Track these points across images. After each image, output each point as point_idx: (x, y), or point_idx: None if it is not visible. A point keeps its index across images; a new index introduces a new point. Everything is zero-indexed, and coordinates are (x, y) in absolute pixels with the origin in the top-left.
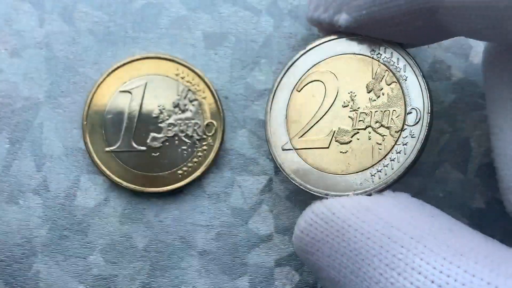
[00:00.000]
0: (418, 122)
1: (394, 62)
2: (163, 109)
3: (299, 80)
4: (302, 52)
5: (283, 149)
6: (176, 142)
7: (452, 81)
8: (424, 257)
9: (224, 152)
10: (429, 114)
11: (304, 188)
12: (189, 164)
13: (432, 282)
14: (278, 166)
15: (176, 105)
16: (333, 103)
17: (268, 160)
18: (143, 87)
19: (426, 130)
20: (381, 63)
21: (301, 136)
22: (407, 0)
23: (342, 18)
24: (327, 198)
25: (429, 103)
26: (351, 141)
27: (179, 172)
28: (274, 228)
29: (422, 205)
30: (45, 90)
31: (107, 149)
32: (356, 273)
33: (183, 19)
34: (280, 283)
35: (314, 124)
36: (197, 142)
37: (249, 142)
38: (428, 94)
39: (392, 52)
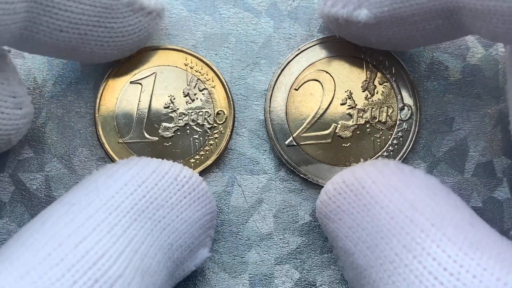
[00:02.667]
0: (410, 117)
1: (385, 64)
2: (173, 99)
3: (296, 79)
4: (296, 52)
5: (287, 145)
6: (188, 131)
7: (449, 81)
8: (441, 245)
9: (225, 151)
10: (418, 109)
11: (311, 180)
12: (201, 153)
13: (445, 269)
14: (284, 161)
15: (186, 95)
16: (331, 101)
17: (269, 160)
18: (153, 78)
19: (418, 123)
20: (372, 64)
21: (304, 132)
22: None
23: (363, 13)
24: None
25: (417, 99)
26: (351, 135)
27: (192, 160)
28: (274, 227)
29: (448, 194)
30: (51, 83)
31: (120, 140)
32: (372, 249)
33: (184, 20)
34: (279, 281)
35: (316, 121)
36: (208, 130)
37: (249, 141)
38: (416, 92)
39: (380, 57)
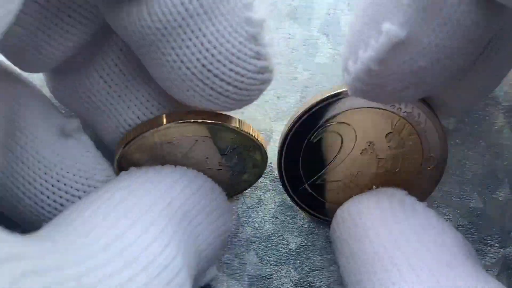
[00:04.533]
0: (434, 166)
1: (415, 116)
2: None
3: (315, 131)
4: (318, 102)
5: (300, 191)
6: None
7: None
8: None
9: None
10: (445, 160)
11: (323, 221)
12: None
13: None
14: (297, 205)
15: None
16: (351, 151)
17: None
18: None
19: (440, 172)
20: (401, 116)
21: (318, 179)
22: None
23: (387, 28)
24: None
25: (446, 150)
26: (369, 184)
27: None
28: (273, 228)
29: (441, 231)
30: None
31: None
32: (359, 283)
33: None
34: (279, 282)
35: (332, 169)
36: None
37: None
38: (445, 143)
39: (412, 107)
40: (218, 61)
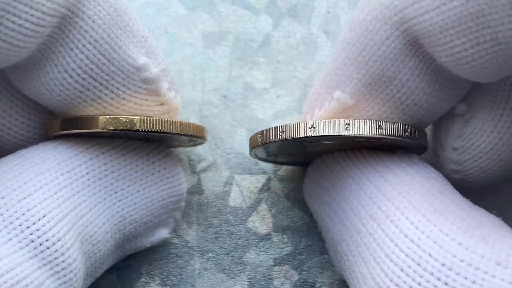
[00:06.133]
0: None
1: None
2: None
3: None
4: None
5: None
6: None
7: None
8: (405, 212)
9: (223, 151)
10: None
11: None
12: None
13: (406, 236)
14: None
15: None
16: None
17: None
18: None
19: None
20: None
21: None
22: None
23: (336, 96)
24: None
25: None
26: None
27: None
28: (272, 227)
29: (425, 167)
30: None
31: None
32: (344, 222)
33: (182, 18)
34: (278, 282)
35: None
36: None
37: (247, 141)
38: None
39: None
40: None
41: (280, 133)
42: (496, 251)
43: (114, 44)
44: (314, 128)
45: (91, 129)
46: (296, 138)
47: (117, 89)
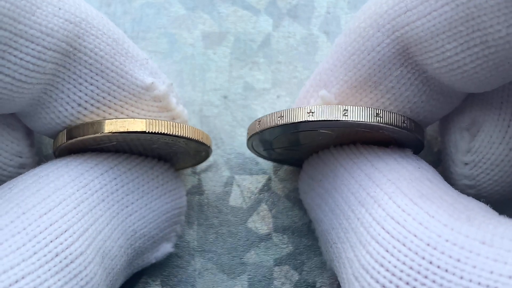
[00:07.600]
0: None
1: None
2: None
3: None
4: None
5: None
6: None
7: None
8: (393, 196)
9: (223, 151)
10: None
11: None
12: None
13: (392, 218)
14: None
15: None
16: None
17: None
18: None
19: None
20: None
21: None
22: None
23: (321, 94)
24: None
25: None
26: None
27: None
28: (273, 227)
29: (417, 160)
30: None
31: None
32: (334, 210)
33: (182, 18)
34: (279, 282)
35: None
36: None
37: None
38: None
39: None
40: None
41: (279, 118)
42: (481, 231)
43: (120, 71)
44: (312, 113)
45: (97, 133)
46: (294, 122)
47: (132, 112)
